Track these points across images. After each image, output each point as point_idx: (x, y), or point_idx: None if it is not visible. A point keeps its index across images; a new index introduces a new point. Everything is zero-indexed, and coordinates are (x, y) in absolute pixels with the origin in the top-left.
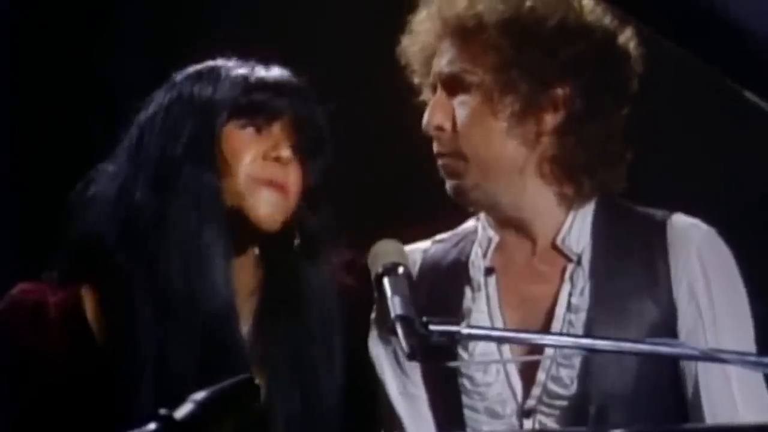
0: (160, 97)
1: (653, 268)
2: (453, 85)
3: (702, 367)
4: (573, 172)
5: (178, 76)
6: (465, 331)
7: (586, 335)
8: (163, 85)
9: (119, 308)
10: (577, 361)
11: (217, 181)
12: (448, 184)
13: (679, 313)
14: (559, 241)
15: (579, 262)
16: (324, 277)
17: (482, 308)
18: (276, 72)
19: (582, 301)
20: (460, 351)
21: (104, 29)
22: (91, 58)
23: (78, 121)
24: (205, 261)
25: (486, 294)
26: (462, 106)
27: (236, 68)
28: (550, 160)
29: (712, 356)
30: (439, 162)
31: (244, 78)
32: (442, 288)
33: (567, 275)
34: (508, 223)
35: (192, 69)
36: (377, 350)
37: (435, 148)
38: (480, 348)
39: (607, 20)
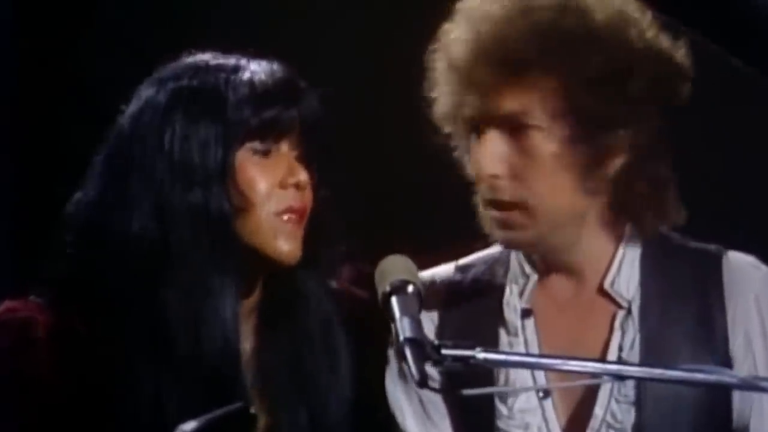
0: (148, 98)
1: (708, 312)
2: (511, 125)
3: (756, 410)
4: (637, 211)
5: (165, 76)
6: (480, 355)
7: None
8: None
9: (110, 344)
10: (629, 425)
11: (231, 214)
12: (502, 235)
13: (735, 367)
14: (607, 285)
15: (630, 311)
16: (325, 288)
17: None
18: (276, 73)
19: (632, 355)
20: (498, 404)
21: (96, 31)
22: (84, 61)
23: (71, 125)
24: (214, 307)
25: (524, 339)
26: (522, 152)
27: (235, 71)
28: (612, 205)
29: (751, 384)
30: (493, 212)
31: (250, 85)
32: (472, 329)
33: (617, 323)
34: (554, 263)
35: (179, 67)
36: (396, 391)
37: (487, 195)
38: (519, 402)
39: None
